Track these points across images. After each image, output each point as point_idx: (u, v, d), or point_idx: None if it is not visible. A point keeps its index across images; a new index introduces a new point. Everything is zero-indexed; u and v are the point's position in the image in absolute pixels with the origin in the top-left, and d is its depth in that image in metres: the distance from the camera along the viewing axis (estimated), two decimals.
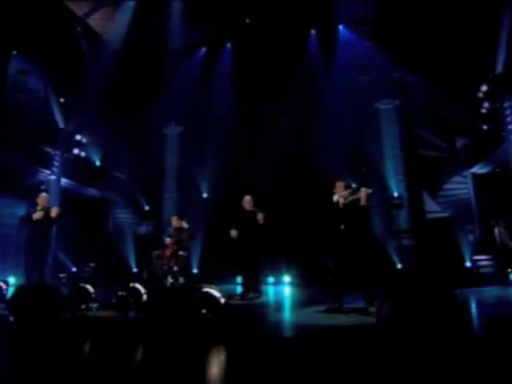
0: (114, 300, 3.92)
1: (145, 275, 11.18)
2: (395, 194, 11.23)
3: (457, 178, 11.17)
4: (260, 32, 13.07)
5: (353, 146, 11.96)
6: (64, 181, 11.48)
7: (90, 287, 4.22)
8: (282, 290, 9.30)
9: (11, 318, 4.04)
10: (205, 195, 13.18)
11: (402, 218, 11.59)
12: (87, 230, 11.40)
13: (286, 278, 10.23)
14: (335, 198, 4.88)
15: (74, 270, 10.86)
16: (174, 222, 7.01)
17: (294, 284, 10.13)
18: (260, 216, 5.94)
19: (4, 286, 5.35)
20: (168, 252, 6.65)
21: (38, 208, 6.13)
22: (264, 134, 12.44)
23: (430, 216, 11.45)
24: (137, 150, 12.80)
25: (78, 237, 11.06)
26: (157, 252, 6.84)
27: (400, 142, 12.22)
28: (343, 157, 12.07)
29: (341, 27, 13.09)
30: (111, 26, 12.69)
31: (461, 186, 11.15)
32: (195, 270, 10.88)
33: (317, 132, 12.01)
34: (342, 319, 3.94)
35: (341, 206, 4.81)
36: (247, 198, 6.31)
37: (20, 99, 11.29)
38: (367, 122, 12.31)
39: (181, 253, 6.69)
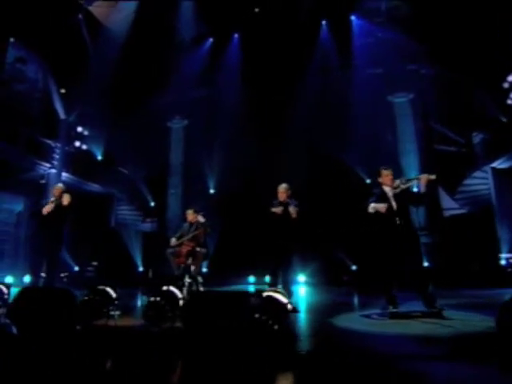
0: (145, 307, 3.24)
1: (150, 274, 10.64)
2: (414, 190, 10.78)
3: (476, 174, 10.74)
4: (269, 22, 12.64)
5: (366, 138, 11.56)
6: (64, 175, 10.87)
7: (111, 290, 3.54)
8: (298, 289, 8.79)
9: (14, 330, 3.32)
10: (212, 191, 12.65)
11: (420, 215, 11.16)
12: (89, 227, 10.82)
13: (301, 278, 9.73)
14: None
15: (76, 269, 10.27)
16: (190, 216, 6.43)
17: (310, 284, 9.65)
18: (292, 209, 5.28)
19: (5, 290, 4.24)
20: (184, 249, 6.09)
21: (52, 199, 5.54)
22: (274, 126, 11.96)
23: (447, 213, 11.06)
24: (140, 144, 12.28)
25: (79, 234, 10.49)
26: (171, 250, 6.28)
27: (415, 136, 11.80)
28: (357, 151, 11.65)
29: (353, 18, 12.64)
30: (115, 15, 12.15)
31: (480, 182, 10.74)
32: (205, 269, 10.33)
33: (329, 124, 11.58)
34: (420, 327, 3.33)
35: (390, 197, 4.26)
36: (282, 187, 5.58)
37: (18, 88, 10.68)
38: (381, 115, 11.89)
39: (198, 249, 6.15)
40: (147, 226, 11.94)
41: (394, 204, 4.23)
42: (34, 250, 5.75)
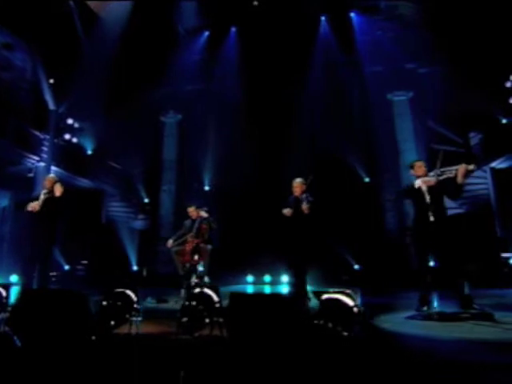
0: (179, 313, 2.81)
1: (144, 273, 10.25)
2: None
3: (475, 173, 10.71)
4: (268, 16, 12.44)
5: (365, 137, 11.48)
6: (53, 169, 10.34)
7: (131, 293, 3.00)
8: None
9: (16, 340, 2.70)
10: (206, 188, 12.32)
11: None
12: (79, 224, 10.32)
13: None
14: (418, 182, 4.10)
15: (67, 268, 9.77)
16: (192, 213, 6.12)
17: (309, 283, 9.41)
18: (304, 205, 5.02)
19: (3, 293, 3.61)
20: (188, 247, 5.77)
21: (44, 191, 5.13)
22: (271, 122, 11.73)
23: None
24: (133, 138, 11.88)
25: (69, 231, 10.00)
26: (175, 248, 5.96)
27: (414, 135, 11.74)
28: (356, 149, 11.53)
29: (353, 14, 12.49)
30: (109, 4, 11.70)
31: (478, 181, 10.72)
32: (201, 269, 9.99)
33: (326, 121, 11.45)
34: (482, 330, 3.06)
35: (424, 191, 4.02)
36: (296, 182, 5.25)
37: (5, 77, 10.10)
38: (380, 113, 11.79)
39: (202, 245, 5.84)
40: (139, 223, 11.51)
41: (427, 198, 4.00)
42: (24, 247, 5.33)
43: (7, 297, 3.50)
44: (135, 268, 10.21)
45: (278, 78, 11.97)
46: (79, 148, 11.21)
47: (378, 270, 9.74)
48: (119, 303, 2.92)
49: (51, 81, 10.87)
